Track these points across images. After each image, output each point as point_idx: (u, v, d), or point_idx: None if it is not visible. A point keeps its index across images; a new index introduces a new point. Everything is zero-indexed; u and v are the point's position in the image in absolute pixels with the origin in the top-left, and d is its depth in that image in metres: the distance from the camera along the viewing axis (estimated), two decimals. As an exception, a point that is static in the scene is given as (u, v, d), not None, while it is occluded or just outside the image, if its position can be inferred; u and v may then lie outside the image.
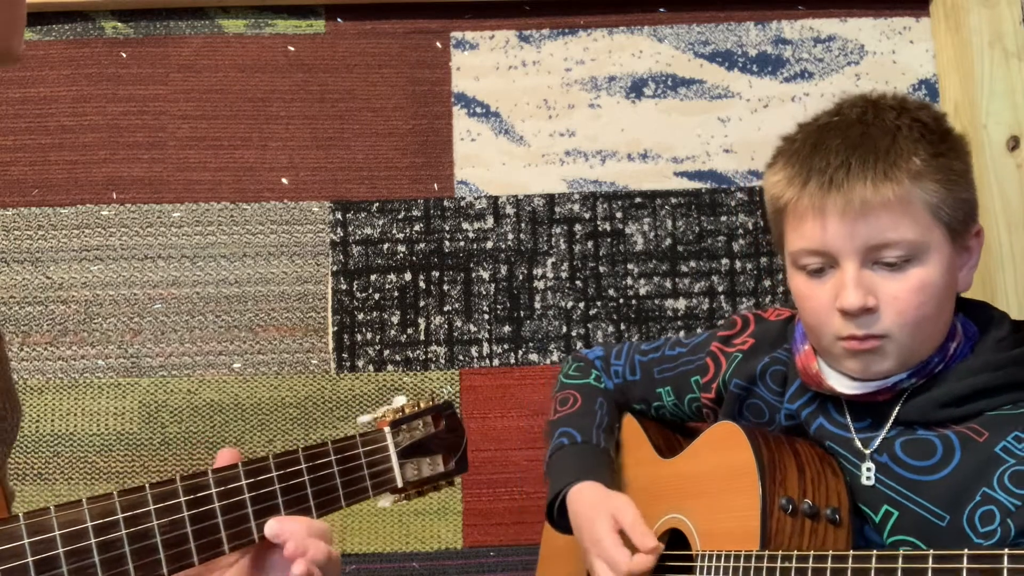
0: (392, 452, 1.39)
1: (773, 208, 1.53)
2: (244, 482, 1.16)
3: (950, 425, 1.43)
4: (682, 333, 1.83)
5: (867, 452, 1.47)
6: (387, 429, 1.40)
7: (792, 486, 1.46)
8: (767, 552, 1.40)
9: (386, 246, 2.45)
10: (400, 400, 1.47)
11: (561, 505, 1.75)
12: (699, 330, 2.44)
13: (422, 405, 1.48)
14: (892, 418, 1.47)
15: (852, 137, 1.43)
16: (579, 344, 2.44)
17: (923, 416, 1.45)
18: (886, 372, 1.44)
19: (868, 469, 1.47)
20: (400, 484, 1.39)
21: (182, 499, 1.12)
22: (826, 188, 1.41)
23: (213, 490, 1.14)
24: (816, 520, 1.44)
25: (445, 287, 2.45)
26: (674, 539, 1.66)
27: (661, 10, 2.53)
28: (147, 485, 1.10)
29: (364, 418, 1.44)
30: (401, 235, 2.45)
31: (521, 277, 2.46)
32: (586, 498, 1.71)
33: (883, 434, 1.47)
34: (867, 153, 1.40)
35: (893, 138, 1.42)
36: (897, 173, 1.39)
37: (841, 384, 1.48)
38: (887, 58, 2.52)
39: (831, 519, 1.45)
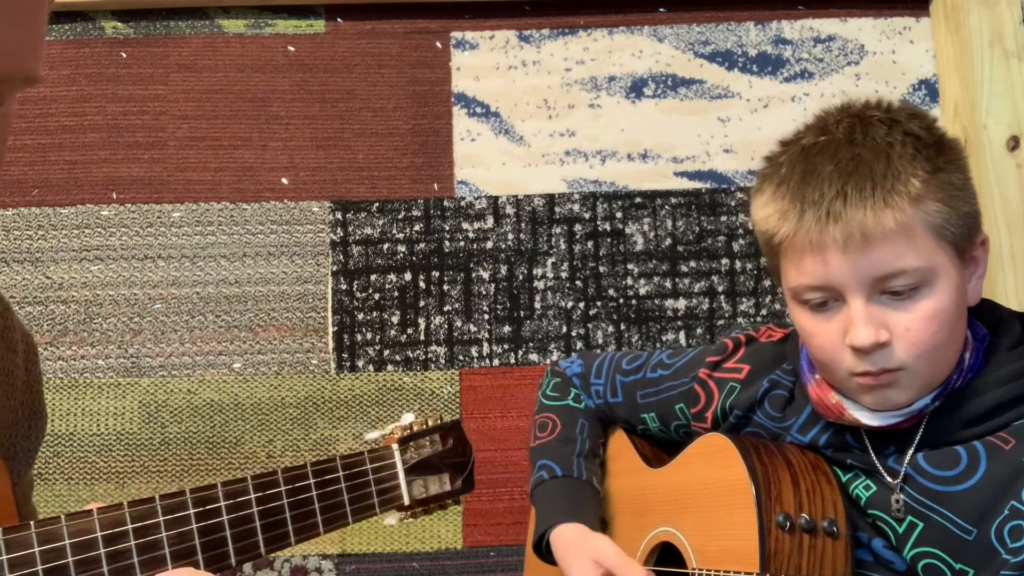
0: (400, 469, 1.39)
1: (766, 241, 1.44)
2: (253, 496, 1.17)
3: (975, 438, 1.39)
4: (667, 351, 1.76)
5: (895, 483, 1.42)
6: (395, 446, 1.39)
7: (788, 501, 1.43)
8: (768, 575, 1.38)
9: (386, 246, 2.45)
10: (408, 417, 1.47)
11: (547, 543, 1.72)
12: (699, 331, 2.44)
13: (430, 423, 1.47)
14: (915, 443, 1.41)
15: (844, 161, 1.34)
16: (579, 344, 2.44)
17: (947, 437, 1.39)
18: (904, 402, 1.38)
19: (897, 501, 1.42)
20: (407, 502, 1.39)
21: (191, 511, 1.12)
22: (823, 221, 1.33)
23: (222, 503, 1.14)
24: (814, 535, 1.42)
25: (445, 287, 2.45)
26: (666, 552, 1.65)
27: (661, 10, 2.53)
28: (157, 496, 1.10)
29: (372, 434, 1.44)
30: (401, 235, 2.45)
31: (521, 277, 2.46)
32: (566, 541, 1.68)
33: (907, 459, 1.41)
34: (863, 179, 1.32)
35: (888, 159, 1.33)
36: (897, 198, 1.31)
37: (865, 416, 1.41)
38: (887, 58, 2.52)
39: (828, 532, 1.42)
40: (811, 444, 1.51)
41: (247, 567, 2.34)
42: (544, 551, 1.74)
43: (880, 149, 1.34)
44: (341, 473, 1.27)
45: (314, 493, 1.24)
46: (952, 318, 1.35)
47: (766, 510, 1.42)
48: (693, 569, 1.53)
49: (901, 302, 1.34)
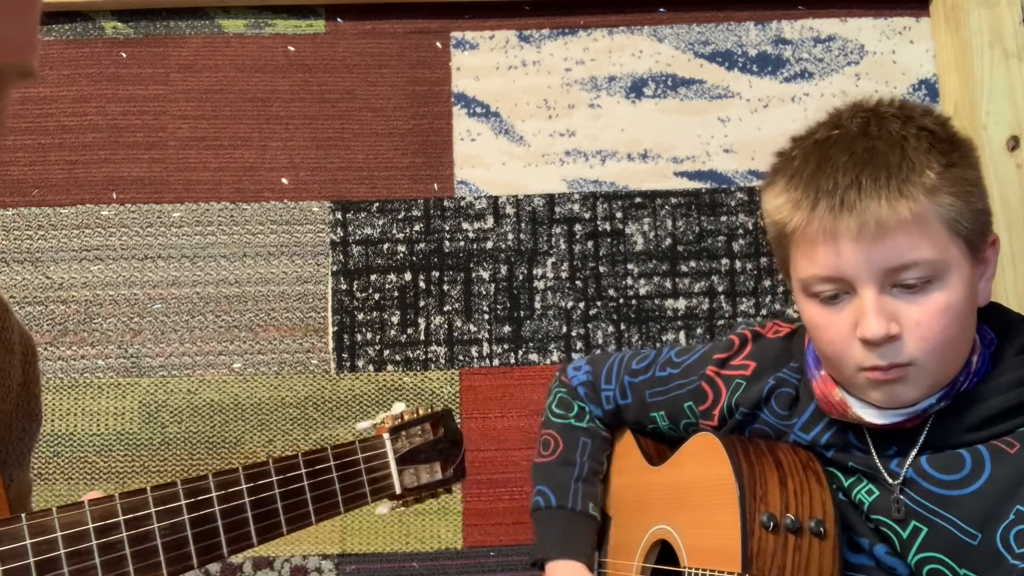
0: (391, 459, 1.39)
1: (777, 233, 1.43)
2: (244, 486, 1.17)
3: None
4: (676, 348, 1.76)
5: (895, 484, 1.41)
6: (386, 436, 1.40)
7: (774, 501, 1.43)
8: (748, 574, 1.38)
9: (386, 246, 2.45)
10: (399, 407, 1.47)
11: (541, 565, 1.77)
12: (699, 331, 2.44)
13: (421, 412, 1.47)
14: (919, 444, 1.40)
15: (859, 152, 1.33)
16: (579, 344, 2.43)
17: (951, 440, 1.39)
18: (913, 400, 1.37)
19: (896, 502, 1.40)
20: (398, 491, 1.39)
21: (183, 502, 1.12)
22: (837, 210, 1.32)
23: (214, 494, 1.14)
24: (799, 535, 1.41)
25: (445, 287, 2.45)
26: (665, 550, 1.66)
27: (661, 10, 2.53)
28: (148, 488, 1.10)
29: (363, 424, 1.44)
30: (401, 235, 2.45)
31: (521, 277, 2.46)
32: None
33: (909, 461, 1.40)
34: (878, 169, 1.31)
35: (902, 150, 1.33)
36: (912, 189, 1.30)
37: (868, 414, 1.40)
38: (887, 58, 2.52)
39: (815, 532, 1.41)
40: (813, 442, 1.50)
41: (247, 567, 2.34)
42: (539, 567, 1.78)
43: (895, 141, 1.34)
44: (332, 463, 1.28)
45: (306, 483, 1.24)
46: (963, 314, 1.34)
47: (750, 510, 1.42)
48: (684, 568, 1.53)
49: (912, 295, 1.33)
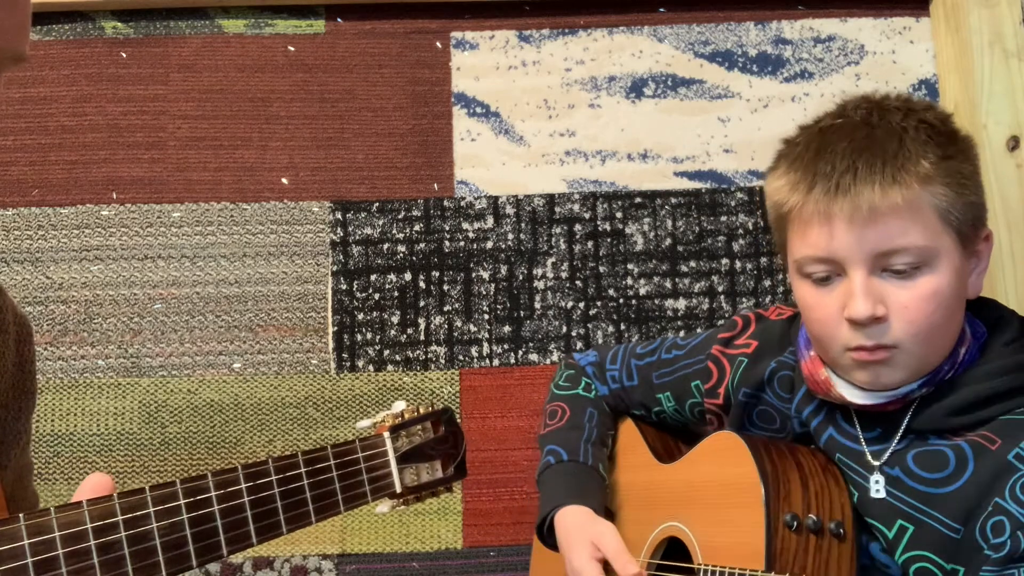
0: (391, 457, 1.39)
1: (776, 214, 1.48)
2: (243, 485, 1.16)
3: (963, 433, 1.40)
4: (680, 334, 1.78)
5: (877, 464, 1.44)
6: (386, 434, 1.40)
7: (796, 501, 1.44)
8: (773, 573, 1.39)
9: (386, 246, 2.45)
10: (400, 405, 1.47)
11: (551, 526, 1.74)
12: (699, 330, 2.44)
13: (421, 410, 1.47)
14: (903, 428, 1.43)
15: (858, 140, 1.38)
16: (579, 344, 2.43)
17: (934, 425, 1.41)
18: (896, 383, 1.40)
19: (876, 482, 1.43)
20: (399, 489, 1.39)
21: (182, 502, 1.11)
22: (832, 193, 1.36)
23: (213, 493, 1.13)
24: (820, 536, 1.42)
25: (445, 287, 2.45)
26: (672, 547, 1.66)
27: (661, 10, 2.53)
28: (147, 488, 1.10)
29: (363, 423, 1.44)
30: (401, 235, 2.45)
31: (521, 277, 2.46)
32: (570, 523, 1.70)
33: (893, 445, 1.44)
34: (874, 156, 1.35)
35: (900, 140, 1.36)
36: (906, 177, 1.34)
37: (851, 393, 1.44)
38: (887, 58, 2.52)
39: (835, 533, 1.43)
40: (806, 422, 1.53)
41: (247, 567, 2.34)
42: (547, 533, 1.75)
43: (894, 131, 1.38)
44: (332, 462, 1.27)
45: (305, 482, 1.23)
46: (950, 303, 1.38)
47: (774, 509, 1.43)
48: (699, 565, 1.53)
49: (901, 280, 1.36)
